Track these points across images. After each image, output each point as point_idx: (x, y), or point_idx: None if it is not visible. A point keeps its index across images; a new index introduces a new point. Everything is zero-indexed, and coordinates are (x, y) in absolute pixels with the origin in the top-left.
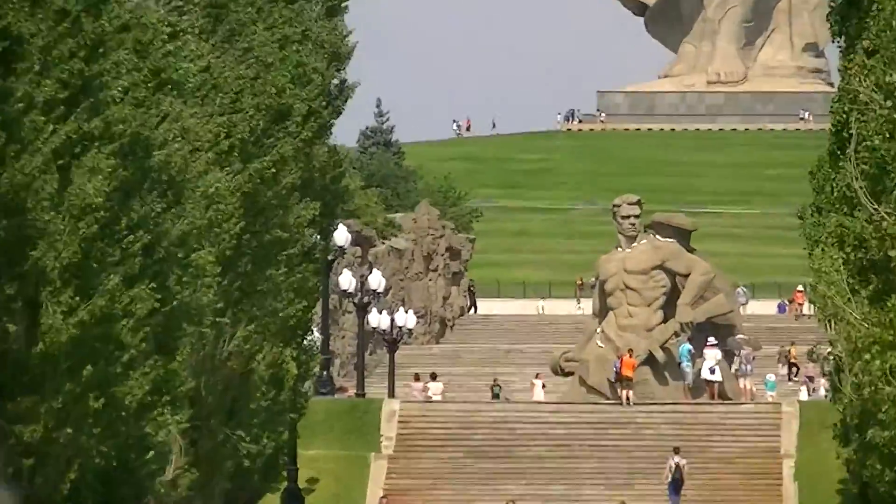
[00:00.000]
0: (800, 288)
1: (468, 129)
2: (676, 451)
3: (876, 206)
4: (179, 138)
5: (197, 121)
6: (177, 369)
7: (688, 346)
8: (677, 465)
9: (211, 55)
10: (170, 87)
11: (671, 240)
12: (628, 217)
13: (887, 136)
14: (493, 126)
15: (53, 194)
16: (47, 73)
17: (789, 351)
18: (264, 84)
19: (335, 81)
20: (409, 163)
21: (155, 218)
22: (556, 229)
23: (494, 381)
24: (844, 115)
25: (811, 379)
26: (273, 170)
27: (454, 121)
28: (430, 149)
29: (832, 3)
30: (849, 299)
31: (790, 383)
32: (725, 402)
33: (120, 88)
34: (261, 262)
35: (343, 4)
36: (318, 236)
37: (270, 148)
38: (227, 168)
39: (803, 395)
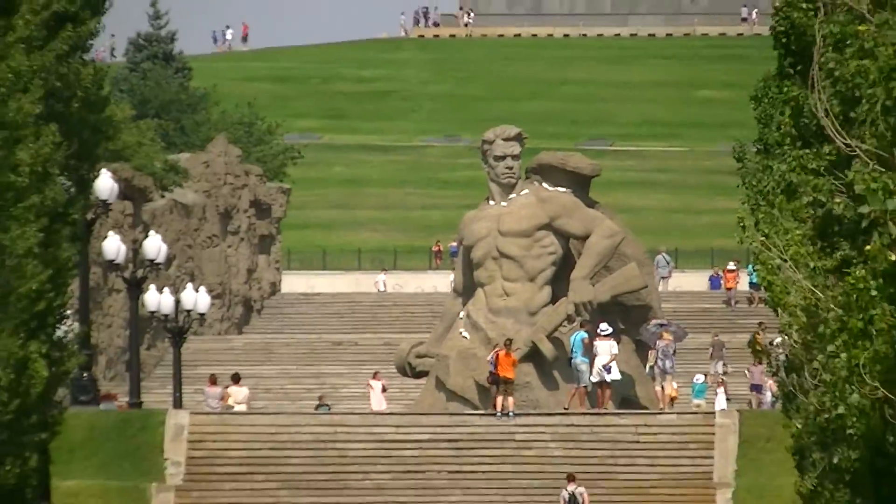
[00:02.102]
0: (731, 266)
1: (245, 39)
2: (571, 478)
3: (848, 142)
4: None
5: None
6: None
7: (584, 334)
8: (573, 496)
9: None
10: None
11: (564, 189)
12: (504, 157)
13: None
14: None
15: None
16: None
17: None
18: None
19: None
20: (199, 84)
21: None
22: (404, 175)
23: (320, 398)
24: (795, 13)
25: (759, 388)
26: (1, 88)
27: (226, 28)
28: (226, 65)
29: None
30: (812, 270)
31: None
32: (636, 411)
33: None
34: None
35: None
36: (73, 187)
37: None
38: None
39: (720, 402)
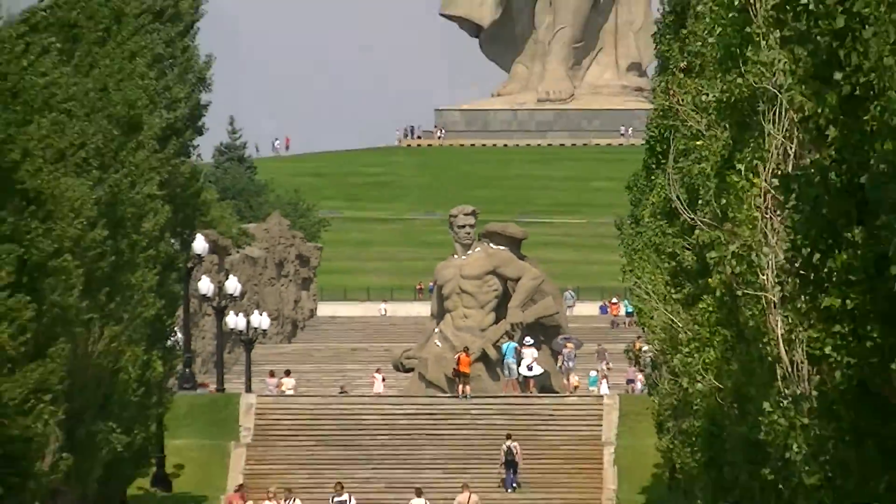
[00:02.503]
0: (614, 300)
1: (287, 147)
2: (509, 436)
3: (693, 216)
4: (41, 150)
5: (51, 132)
6: (54, 370)
7: (513, 344)
8: (510, 448)
9: (61, 68)
10: (22, 99)
11: (503, 248)
12: (464, 227)
13: (701, 151)
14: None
15: None
16: None
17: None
18: (114, 97)
19: (183, 96)
20: (261, 177)
21: (25, 229)
22: (398, 238)
23: (342, 387)
24: (657, 131)
25: (632, 381)
26: (129, 179)
27: (276, 140)
28: (278, 164)
29: (658, 24)
30: (665, 299)
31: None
32: (551, 395)
33: None
34: (123, 266)
35: (195, 25)
36: (179, 245)
37: (126, 158)
38: (85, 177)
39: (604, 388)
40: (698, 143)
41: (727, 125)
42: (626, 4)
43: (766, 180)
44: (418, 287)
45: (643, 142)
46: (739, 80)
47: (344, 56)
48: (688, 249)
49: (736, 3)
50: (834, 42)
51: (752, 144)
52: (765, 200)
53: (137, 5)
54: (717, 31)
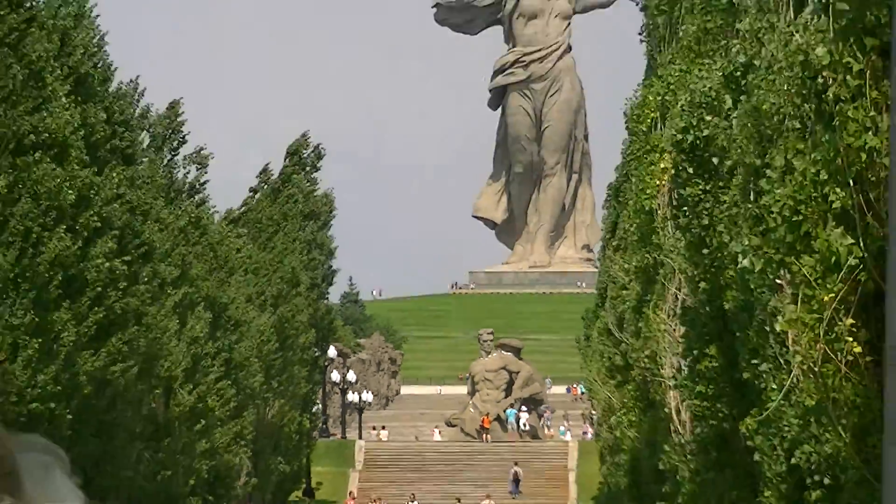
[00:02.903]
0: (574, 384)
1: (380, 293)
2: (516, 463)
3: (621, 335)
4: (240, 296)
5: (246, 286)
6: (245, 426)
7: (514, 410)
8: (515, 472)
9: (250, 245)
10: (230, 267)
11: (510, 353)
12: (486, 341)
13: (625, 297)
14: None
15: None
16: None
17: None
18: (283, 266)
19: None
20: (368, 311)
21: (228, 343)
22: (448, 348)
23: (415, 437)
24: (600, 285)
25: (584, 433)
26: (291, 313)
27: (372, 290)
28: (377, 304)
29: (603, 222)
30: (605, 384)
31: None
32: (538, 440)
33: (204, 271)
34: (287, 364)
35: (329, 223)
36: (319, 352)
37: (289, 301)
38: (267, 312)
39: (568, 436)
40: (624, 291)
41: (641, 281)
42: (581, 211)
43: (666, 314)
44: (460, 376)
45: (593, 291)
46: (647, 255)
47: (412, 234)
48: (618, 354)
49: (647, 208)
50: (703, 232)
51: (655, 293)
52: (664, 325)
53: (295, 208)
54: (634, 225)
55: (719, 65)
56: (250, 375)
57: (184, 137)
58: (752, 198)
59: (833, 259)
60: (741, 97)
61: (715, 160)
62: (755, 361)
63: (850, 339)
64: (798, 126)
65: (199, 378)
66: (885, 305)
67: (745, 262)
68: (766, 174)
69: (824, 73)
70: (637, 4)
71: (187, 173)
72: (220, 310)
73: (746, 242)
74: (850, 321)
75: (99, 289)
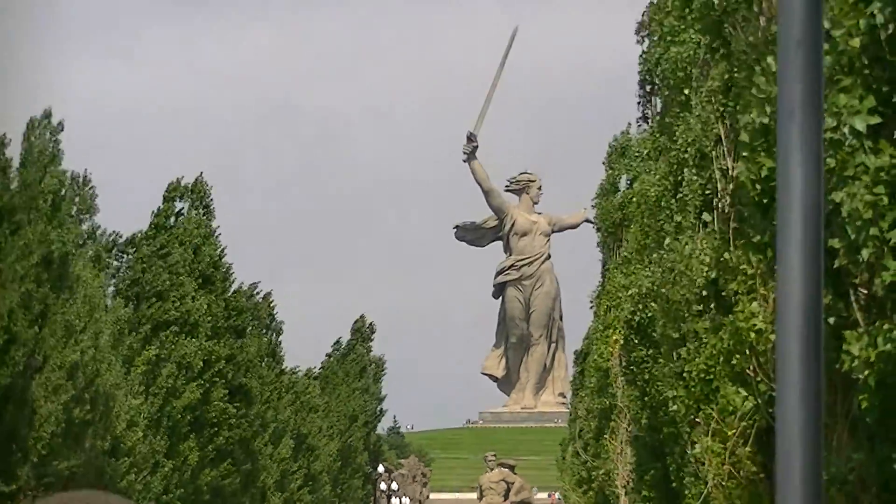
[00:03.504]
0: (553, 493)
1: (412, 427)
2: None
3: (586, 458)
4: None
5: (320, 421)
6: None
7: None
8: None
9: (325, 395)
10: (310, 407)
11: (507, 469)
12: (490, 460)
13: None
14: (412, 427)
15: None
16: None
17: None
18: (346, 407)
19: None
20: (406, 440)
21: (308, 464)
22: (463, 466)
23: None
24: (570, 424)
25: None
26: (351, 441)
27: (408, 425)
28: (410, 436)
29: (573, 378)
30: (576, 492)
31: None
32: None
33: (292, 411)
34: (349, 478)
35: (381, 377)
36: (371, 468)
37: (350, 433)
38: (335, 440)
39: None
40: (587, 425)
41: (598, 419)
42: (557, 369)
43: (618, 442)
44: (472, 486)
45: (566, 426)
46: (604, 401)
47: (438, 384)
48: (584, 470)
49: (604, 367)
50: (645, 385)
51: (610, 428)
52: (617, 450)
53: (356, 368)
54: (594, 380)
55: (651, 270)
56: (322, 485)
57: (273, 317)
58: (675, 359)
59: (731, 408)
60: (665, 291)
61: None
62: (681, 476)
63: (748, 461)
64: (699, 311)
65: (286, 486)
66: (775, 437)
67: (674, 407)
68: (685, 346)
69: (726, 277)
70: (594, 227)
71: (271, 341)
72: (301, 439)
73: (673, 393)
74: (748, 449)
75: (215, 425)
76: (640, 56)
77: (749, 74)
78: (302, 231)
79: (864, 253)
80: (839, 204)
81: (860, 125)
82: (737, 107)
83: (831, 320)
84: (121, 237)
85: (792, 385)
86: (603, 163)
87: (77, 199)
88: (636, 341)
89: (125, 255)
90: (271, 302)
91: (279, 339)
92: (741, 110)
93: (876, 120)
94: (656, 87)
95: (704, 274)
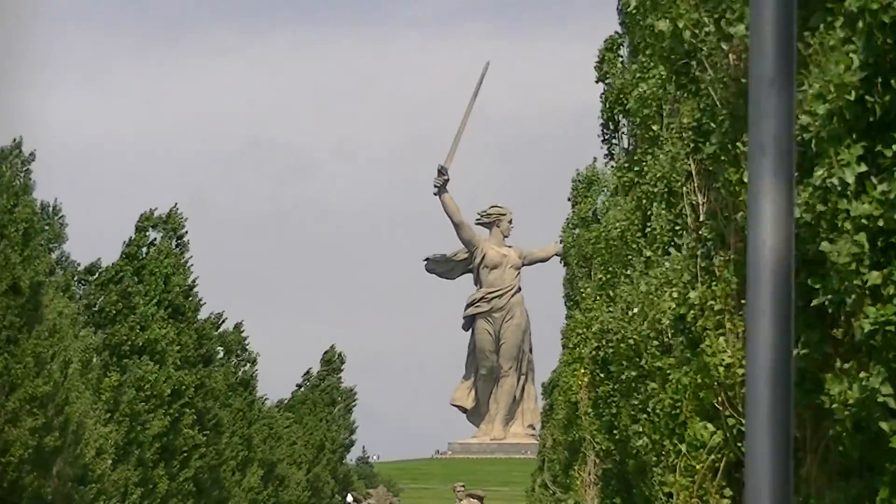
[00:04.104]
0: None
1: (378, 457)
2: None
3: (554, 489)
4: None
5: (288, 450)
6: None
7: None
8: None
9: (297, 426)
10: (277, 436)
11: (476, 500)
12: (460, 491)
13: (555, 464)
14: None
15: None
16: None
17: None
18: (314, 438)
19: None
20: (376, 469)
21: (276, 493)
22: (433, 495)
23: None
24: (540, 459)
25: None
26: (319, 471)
27: (374, 455)
28: (378, 465)
29: (542, 409)
30: None
31: None
32: None
33: (260, 440)
34: None
35: (352, 408)
36: (339, 498)
37: (318, 463)
38: (303, 469)
39: None
40: (555, 457)
41: (568, 451)
42: (527, 400)
43: (586, 473)
44: None
45: (535, 459)
46: (574, 434)
47: (407, 415)
48: (553, 502)
49: (572, 400)
50: (612, 419)
51: (579, 460)
52: (585, 481)
53: (326, 398)
54: (563, 413)
55: (612, 307)
56: None
57: (245, 347)
58: (636, 396)
59: (698, 443)
60: (622, 330)
61: (616, 368)
62: None
63: (717, 495)
64: (661, 348)
65: None
66: (745, 470)
67: (639, 442)
68: (645, 382)
69: (693, 312)
70: (561, 262)
71: (244, 371)
72: (270, 468)
73: (638, 428)
74: (716, 483)
75: (184, 453)
76: (601, 95)
77: (718, 112)
78: (272, 264)
79: (848, 301)
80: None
81: (850, 177)
82: (706, 143)
83: (805, 353)
84: (97, 268)
85: (761, 419)
86: (568, 199)
87: (47, 229)
88: (602, 376)
89: (93, 285)
90: (242, 331)
91: (254, 370)
92: (710, 144)
93: (862, 168)
94: (619, 123)
95: (671, 310)
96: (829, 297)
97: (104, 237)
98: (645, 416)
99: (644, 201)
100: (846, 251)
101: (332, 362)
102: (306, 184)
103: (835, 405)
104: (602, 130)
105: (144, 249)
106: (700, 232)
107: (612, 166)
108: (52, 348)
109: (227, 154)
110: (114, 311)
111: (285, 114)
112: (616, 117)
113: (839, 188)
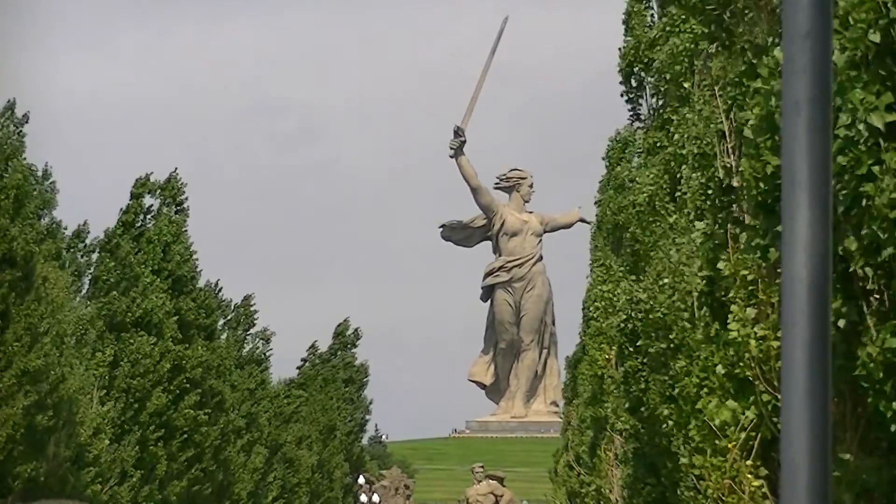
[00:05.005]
0: None
1: (387, 437)
2: None
3: (580, 470)
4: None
5: (298, 431)
6: None
7: None
8: None
9: (305, 403)
10: (286, 416)
11: (496, 481)
12: (478, 472)
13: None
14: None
15: None
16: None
17: None
18: (324, 418)
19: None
20: (389, 450)
21: (283, 476)
22: (448, 477)
23: None
24: (567, 433)
25: None
26: (330, 454)
27: (378, 431)
28: (393, 445)
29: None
30: None
31: None
32: None
33: (266, 419)
34: (327, 490)
35: (365, 386)
36: (352, 480)
37: (329, 444)
38: (315, 451)
39: None
40: (580, 437)
41: (593, 429)
42: (549, 376)
43: (612, 454)
44: (458, 500)
45: (558, 437)
46: (599, 410)
47: (423, 391)
48: (576, 485)
49: (599, 374)
50: (641, 394)
51: (605, 439)
52: (610, 463)
53: (338, 375)
54: (588, 390)
55: (647, 277)
56: (300, 497)
57: (253, 322)
58: (663, 372)
59: (730, 420)
60: (651, 301)
61: (644, 341)
62: (679, 492)
63: (750, 476)
64: (691, 321)
65: (259, 499)
66: (780, 449)
67: (669, 422)
68: (675, 357)
69: (724, 283)
70: (592, 227)
71: (255, 348)
72: (275, 448)
73: (667, 409)
74: (749, 462)
75: (186, 433)
76: (621, 50)
77: (752, 67)
78: (279, 234)
79: (885, 253)
80: (850, 206)
81: (878, 122)
82: (742, 100)
83: (841, 323)
84: (85, 232)
85: (798, 393)
86: (603, 158)
87: (35, 194)
88: (630, 350)
89: (89, 254)
90: (252, 305)
91: (269, 348)
92: (745, 105)
93: (893, 117)
94: (645, 80)
95: (699, 280)
96: (859, 248)
97: (101, 204)
98: (672, 393)
99: (672, 164)
100: (889, 194)
101: (343, 336)
102: (314, 147)
103: (871, 366)
104: (624, 89)
105: (142, 217)
106: (732, 196)
107: (639, 127)
108: (47, 321)
109: (230, 115)
110: (111, 281)
111: (292, 73)
112: (639, 74)
113: (867, 136)
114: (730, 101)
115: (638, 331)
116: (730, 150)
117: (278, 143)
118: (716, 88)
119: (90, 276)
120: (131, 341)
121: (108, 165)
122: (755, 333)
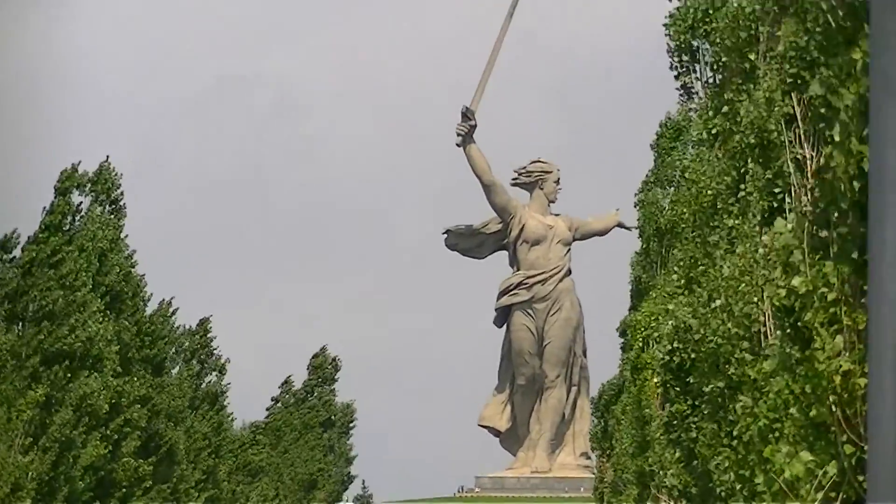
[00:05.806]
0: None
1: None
2: None
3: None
4: None
5: (267, 488)
6: None
7: None
8: None
9: (273, 453)
10: (250, 470)
11: None
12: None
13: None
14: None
15: None
16: None
17: None
18: (299, 473)
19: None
20: None
21: None
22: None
23: None
24: (597, 490)
25: None
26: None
27: (366, 488)
28: None
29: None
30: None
31: None
32: None
33: (226, 473)
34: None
35: (350, 431)
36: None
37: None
38: None
39: None
40: (621, 497)
41: (637, 486)
42: (580, 420)
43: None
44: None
45: (590, 496)
46: (644, 465)
47: (420, 441)
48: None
49: (644, 416)
50: (691, 444)
51: (650, 498)
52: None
53: (316, 417)
54: (629, 436)
55: (695, 296)
56: None
57: (211, 352)
58: (718, 415)
59: (793, 476)
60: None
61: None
62: None
63: None
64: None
65: None
66: None
67: (725, 476)
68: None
69: (800, 302)
70: (632, 230)
71: (210, 382)
72: None
73: (724, 461)
74: None
75: (125, 488)
76: (669, 13)
77: (829, 37)
78: (239, 240)
79: None
80: None
81: None
82: (807, 77)
83: None
84: (13, 243)
85: (886, 442)
86: (651, 146)
87: None
88: (677, 389)
89: (3, 264)
90: (209, 331)
91: (223, 382)
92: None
93: None
94: (698, 52)
95: (779, 293)
96: None
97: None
98: (731, 441)
99: (738, 156)
100: None
101: (322, 369)
102: (291, 134)
103: None
104: (673, 61)
105: (69, 218)
106: (811, 194)
107: (691, 108)
108: None
109: (188, 95)
110: (36, 305)
111: (267, 44)
112: (691, 44)
113: None
114: (797, 81)
115: (686, 365)
116: (802, 138)
117: (244, 129)
118: (782, 62)
119: (2, 293)
120: (69, 378)
121: (21, 157)
122: (839, 367)
